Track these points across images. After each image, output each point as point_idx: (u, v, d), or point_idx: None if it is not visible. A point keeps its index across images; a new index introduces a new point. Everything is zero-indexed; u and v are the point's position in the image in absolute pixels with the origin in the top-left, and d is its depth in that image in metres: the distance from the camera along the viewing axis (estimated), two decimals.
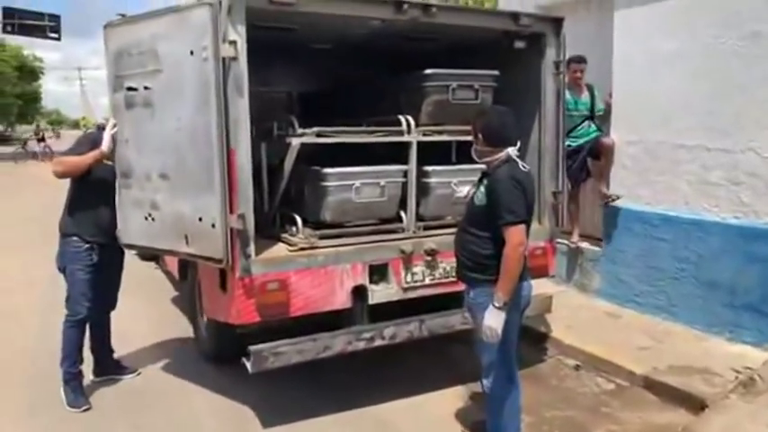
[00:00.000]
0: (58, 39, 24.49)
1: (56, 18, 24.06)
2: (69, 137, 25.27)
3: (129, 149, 3.50)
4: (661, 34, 4.64)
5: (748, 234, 4.17)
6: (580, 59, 5.08)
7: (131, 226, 3.57)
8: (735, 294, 4.28)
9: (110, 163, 3.59)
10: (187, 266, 4.55)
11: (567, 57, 4.10)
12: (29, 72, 37.66)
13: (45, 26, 23.69)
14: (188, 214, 3.26)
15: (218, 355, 4.14)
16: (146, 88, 3.34)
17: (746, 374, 3.63)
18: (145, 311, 5.44)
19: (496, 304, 2.69)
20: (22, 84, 36.35)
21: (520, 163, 2.83)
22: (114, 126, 3.55)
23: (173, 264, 5.08)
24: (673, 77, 4.59)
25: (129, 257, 4.03)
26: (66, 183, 3.75)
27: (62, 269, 3.72)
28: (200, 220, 3.18)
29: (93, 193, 3.65)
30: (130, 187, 3.51)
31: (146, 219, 3.45)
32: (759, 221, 4.12)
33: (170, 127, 3.27)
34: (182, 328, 4.97)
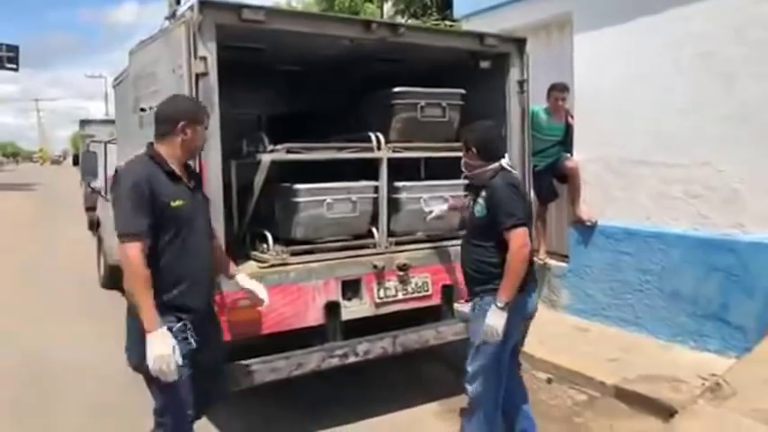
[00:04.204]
0: (16, 69, 24.11)
1: (14, 48, 23.73)
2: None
3: None
4: (619, 56, 4.85)
5: (707, 245, 4.32)
6: (563, 88, 5.19)
7: None
8: (697, 304, 4.41)
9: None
10: None
11: (530, 77, 4.22)
12: None
13: (2, 56, 23.31)
14: None
15: None
16: (150, 108, 3.45)
17: (713, 381, 3.71)
18: (109, 338, 5.28)
19: (498, 304, 2.70)
20: None
21: (513, 171, 2.92)
22: None
23: None
24: (631, 97, 4.79)
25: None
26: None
27: (142, 367, 2.39)
28: None
29: (180, 242, 2.50)
30: None
31: None
32: (717, 232, 4.28)
33: None
34: None
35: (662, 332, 4.62)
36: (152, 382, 2.42)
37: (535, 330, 4.74)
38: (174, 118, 2.50)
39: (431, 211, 3.75)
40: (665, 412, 3.57)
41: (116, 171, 2.51)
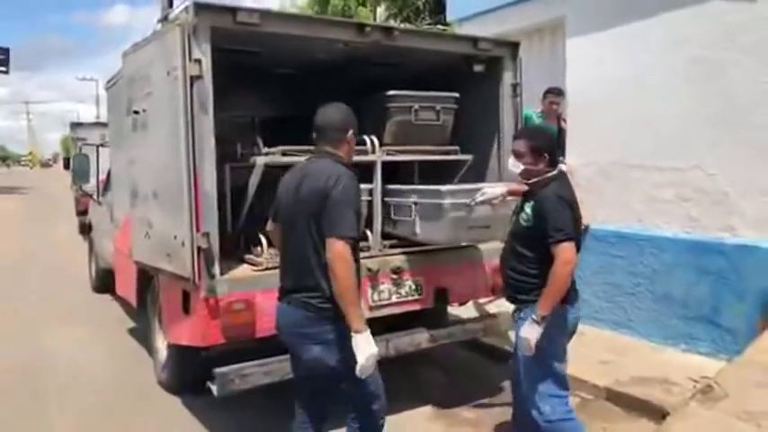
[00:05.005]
0: (7, 72, 23.98)
1: (4, 51, 23.58)
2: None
3: (135, 170, 3.77)
4: (611, 60, 4.89)
5: (698, 248, 4.36)
6: (559, 92, 5.22)
7: (137, 243, 3.78)
8: (688, 307, 4.44)
9: None
10: (145, 292, 4.43)
11: (522, 80, 4.24)
12: None
13: None
14: (168, 232, 3.30)
15: (180, 382, 4.01)
16: (144, 111, 3.50)
17: (704, 383, 3.73)
18: (101, 343, 5.26)
19: (535, 318, 2.62)
20: None
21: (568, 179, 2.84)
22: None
23: (129, 291, 4.92)
24: (623, 101, 4.83)
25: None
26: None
27: (342, 370, 2.47)
28: (175, 237, 3.19)
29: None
30: (136, 206, 3.76)
31: (145, 236, 3.60)
32: (707, 235, 4.32)
33: (157, 146, 3.38)
34: (140, 358, 4.81)
35: (654, 335, 4.65)
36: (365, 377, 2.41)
37: None
38: (345, 127, 2.59)
39: (474, 199, 3.40)
40: (658, 414, 3.59)
41: (335, 175, 2.42)
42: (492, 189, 3.42)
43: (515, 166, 2.85)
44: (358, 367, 2.33)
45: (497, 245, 3.61)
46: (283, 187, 2.64)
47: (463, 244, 4.04)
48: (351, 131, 2.60)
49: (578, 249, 2.71)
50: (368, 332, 2.36)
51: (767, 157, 4.01)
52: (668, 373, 4.05)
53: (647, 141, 4.67)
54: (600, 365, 4.28)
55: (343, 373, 2.46)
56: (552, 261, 2.63)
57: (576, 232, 2.71)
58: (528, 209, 2.78)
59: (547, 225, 2.64)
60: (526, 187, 2.91)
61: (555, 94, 5.23)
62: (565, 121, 5.38)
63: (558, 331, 2.74)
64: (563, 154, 5.37)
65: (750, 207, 4.12)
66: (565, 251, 2.60)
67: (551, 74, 5.50)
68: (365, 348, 2.33)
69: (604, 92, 4.95)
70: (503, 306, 4.67)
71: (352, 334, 2.34)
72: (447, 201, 3.52)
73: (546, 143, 2.84)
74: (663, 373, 4.05)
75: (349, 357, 2.38)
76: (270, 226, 2.80)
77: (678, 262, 4.49)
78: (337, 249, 2.31)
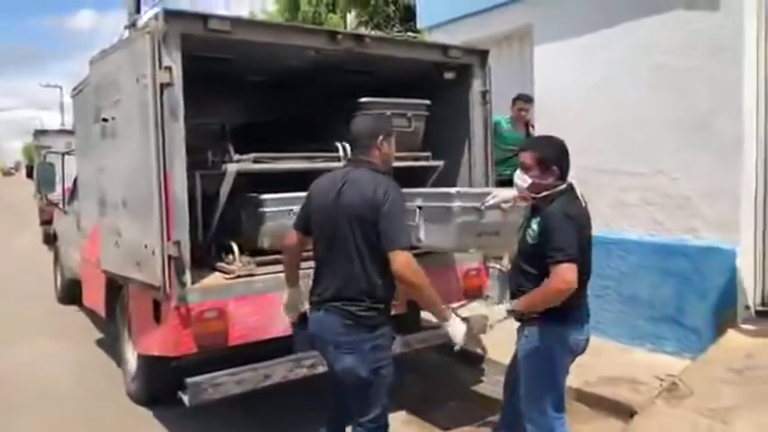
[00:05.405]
0: None
1: None
2: None
3: (104, 178, 3.74)
4: (578, 67, 5.00)
5: (662, 250, 4.48)
6: (528, 99, 5.31)
7: (106, 252, 3.73)
8: (654, 308, 4.55)
9: None
10: (114, 302, 4.36)
11: (492, 88, 4.31)
12: None
13: None
14: (138, 241, 3.27)
15: (151, 393, 3.95)
16: (113, 119, 3.47)
17: (669, 381, 3.84)
18: (68, 356, 5.15)
19: (509, 307, 2.59)
20: None
21: (579, 194, 2.64)
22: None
23: (97, 302, 4.83)
24: (590, 107, 4.93)
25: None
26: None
27: (371, 381, 2.49)
28: (146, 246, 3.16)
29: None
30: (106, 215, 3.71)
31: (114, 245, 3.57)
32: (671, 238, 4.45)
33: (126, 154, 3.35)
34: (109, 370, 4.72)
35: (621, 336, 4.75)
36: (382, 387, 2.52)
37: (500, 337, 4.80)
38: (373, 134, 2.61)
39: (485, 202, 3.29)
40: (626, 413, 3.67)
41: (382, 186, 2.44)
42: (503, 192, 3.32)
43: (522, 180, 2.66)
44: (459, 344, 2.53)
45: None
46: (318, 194, 2.61)
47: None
48: (380, 137, 2.60)
49: (589, 270, 2.60)
50: (455, 317, 2.55)
51: (727, 161, 4.15)
52: (635, 372, 4.14)
53: (614, 147, 4.78)
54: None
55: (370, 383, 2.48)
56: None
57: (585, 252, 2.59)
58: (534, 225, 2.60)
59: (548, 244, 2.50)
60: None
61: (524, 100, 5.32)
62: (533, 127, 5.48)
63: (561, 349, 2.66)
64: None
65: (711, 210, 4.25)
66: (562, 272, 2.43)
67: (520, 80, 5.60)
68: (459, 330, 2.52)
69: (572, 98, 5.05)
70: (474, 311, 4.73)
71: (444, 324, 2.53)
72: (456, 204, 3.34)
73: (554, 154, 2.63)
74: (630, 373, 4.13)
75: (378, 368, 2.47)
76: (293, 238, 2.75)
77: (644, 264, 4.60)
78: (405, 260, 2.39)
